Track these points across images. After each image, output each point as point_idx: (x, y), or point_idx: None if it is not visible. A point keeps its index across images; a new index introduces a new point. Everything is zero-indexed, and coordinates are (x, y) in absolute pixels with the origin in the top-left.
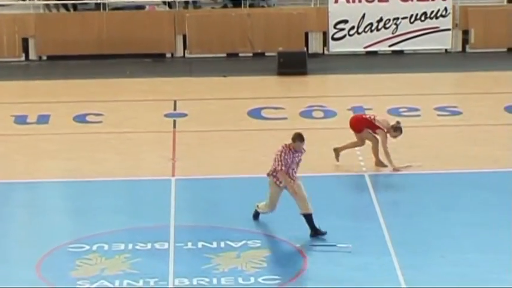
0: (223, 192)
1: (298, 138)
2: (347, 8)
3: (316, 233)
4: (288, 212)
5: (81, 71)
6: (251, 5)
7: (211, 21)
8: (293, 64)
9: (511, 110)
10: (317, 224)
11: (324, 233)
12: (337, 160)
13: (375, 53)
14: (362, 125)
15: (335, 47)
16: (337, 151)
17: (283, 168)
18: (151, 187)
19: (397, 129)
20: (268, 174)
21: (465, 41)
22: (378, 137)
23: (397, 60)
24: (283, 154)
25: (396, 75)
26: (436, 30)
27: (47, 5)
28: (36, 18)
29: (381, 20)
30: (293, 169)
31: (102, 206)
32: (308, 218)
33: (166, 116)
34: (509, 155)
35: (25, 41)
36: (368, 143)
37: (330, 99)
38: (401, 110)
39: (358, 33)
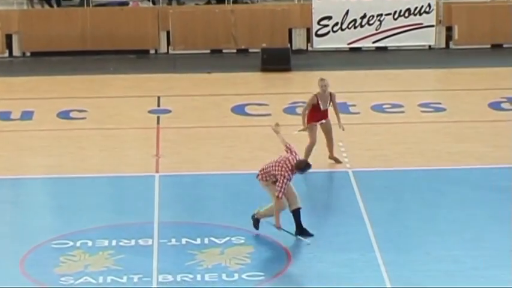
0: (207, 189)
1: (307, 167)
2: (331, 4)
3: (301, 232)
4: None
5: (65, 67)
6: (235, 1)
7: (195, 18)
8: (277, 60)
9: (494, 107)
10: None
11: (311, 235)
12: (340, 161)
13: (358, 49)
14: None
15: (319, 44)
16: (332, 157)
17: (280, 196)
18: (135, 183)
19: None
20: (262, 179)
21: (449, 38)
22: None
23: (381, 57)
24: (287, 177)
25: (380, 71)
26: (420, 26)
27: (31, 1)
28: (19, 14)
29: (364, 16)
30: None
31: (86, 203)
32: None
33: (150, 112)
34: (493, 151)
35: (9, 37)
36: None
37: None
38: (385, 106)
39: (342, 30)
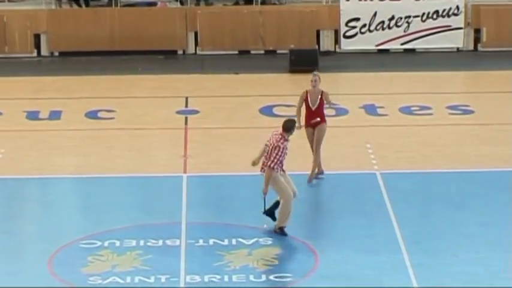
0: (234, 190)
1: (292, 124)
2: (359, 6)
3: (270, 214)
4: (300, 210)
5: (93, 67)
6: (263, 2)
7: (223, 18)
8: (305, 62)
9: None
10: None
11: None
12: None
13: (386, 51)
14: None
15: (347, 45)
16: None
17: (273, 166)
18: (163, 184)
19: None
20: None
21: (477, 40)
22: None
23: (409, 59)
24: (284, 149)
25: (408, 73)
26: (448, 28)
27: (59, 1)
28: (48, 14)
29: (392, 18)
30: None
31: (114, 203)
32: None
33: (178, 112)
34: None
35: (37, 37)
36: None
37: (342, 97)
38: (413, 108)
39: (370, 31)
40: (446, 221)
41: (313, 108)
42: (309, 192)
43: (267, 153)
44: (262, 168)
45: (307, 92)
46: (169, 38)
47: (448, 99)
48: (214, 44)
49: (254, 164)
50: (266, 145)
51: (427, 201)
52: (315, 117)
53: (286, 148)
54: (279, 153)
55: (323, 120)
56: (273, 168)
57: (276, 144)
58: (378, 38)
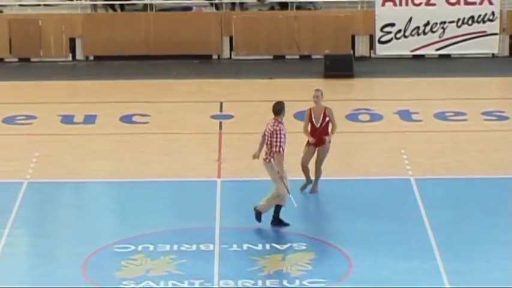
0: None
1: (282, 106)
2: (394, 11)
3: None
4: (334, 215)
5: (128, 71)
6: (298, 8)
7: (258, 23)
8: (339, 67)
9: None
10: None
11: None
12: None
13: (421, 56)
14: None
15: (382, 50)
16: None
17: (279, 150)
18: (197, 188)
19: None
20: (268, 162)
21: None
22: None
23: (444, 64)
24: (283, 131)
25: (443, 79)
26: (483, 34)
27: (94, 5)
28: (83, 18)
29: (428, 23)
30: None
31: (148, 207)
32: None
33: (212, 117)
34: None
35: (72, 41)
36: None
37: (376, 102)
38: (448, 114)
39: (405, 37)
40: (481, 227)
41: (317, 126)
42: (343, 197)
43: (268, 143)
44: (266, 158)
45: (311, 109)
46: (204, 43)
47: (483, 105)
48: (249, 48)
49: (255, 157)
50: (264, 135)
51: (462, 207)
52: (319, 135)
53: (284, 130)
54: (279, 136)
55: (326, 140)
56: (279, 151)
57: (272, 129)
58: (413, 43)
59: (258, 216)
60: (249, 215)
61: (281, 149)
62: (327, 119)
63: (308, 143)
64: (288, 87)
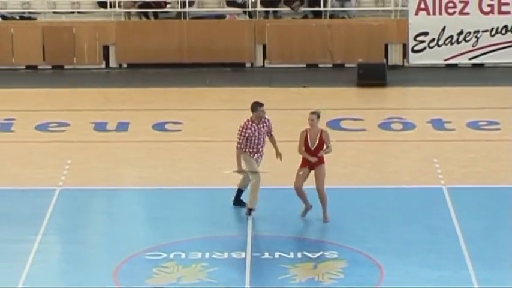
0: (300, 203)
1: (255, 105)
2: (428, 20)
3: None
4: (365, 223)
5: (161, 79)
6: (331, 16)
7: (292, 32)
8: (373, 76)
9: None
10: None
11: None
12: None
13: (455, 65)
14: None
15: (415, 59)
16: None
17: (240, 146)
18: (229, 196)
19: None
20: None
21: None
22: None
23: (477, 73)
24: (244, 129)
25: (476, 88)
26: None
27: (128, 13)
28: (117, 26)
29: (461, 32)
30: (260, 143)
31: (180, 215)
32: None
33: None
34: None
35: (106, 49)
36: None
37: (409, 111)
38: (480, 123)
39: (439, 46)
40: None
41: (312, 148)
42: (375, 205)
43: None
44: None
45: (307, 130)
46: (238, 51)
47: None
48: (282, 57)
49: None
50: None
51: (494, 217)
52: (315, 158)
53: (248, 128)
54: (241, 134)
55: (321, 162)
56: (237, 147)
57: (240, 130)
58: (446, 52)
59: (249, 212)
60: (280, 223)
61: (240, 146)
62: (323, 141)
63: (301, 166)
64: (321, 96)
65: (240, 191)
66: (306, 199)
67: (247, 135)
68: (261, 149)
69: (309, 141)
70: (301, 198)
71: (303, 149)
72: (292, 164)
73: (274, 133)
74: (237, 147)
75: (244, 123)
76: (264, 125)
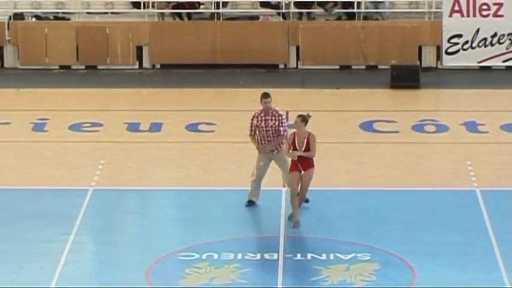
0: (333, 205)
1: (260, 97)
2: (462, 22)
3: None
4: (397, 225)
5: (194, 79)
6: (365, 18)
7: (325, 33)
8: (406, 77)
9: None
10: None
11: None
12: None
13: (488, 68)
14: None
15: (449, 61)
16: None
17: (251, 134)
18: (262, 197)
19: None
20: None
21: None
22: None
23: (511, 76)
24: (251, 119)
25: (510, 90)
26: None
27: (162, 14)
28: (150, 26)
29: (495, 35)
30: (269, 136)
31: (213, 215)
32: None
33: None
34: None
35: (139, 49)
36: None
37: (443, 113)
38: None
39: (472, 48)
40: None
41: (300, 151)
42: (407, 207)
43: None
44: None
45: (294, 133)
46: (271, 52)
47: None
48: (315, 58)
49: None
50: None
51: None
52: (303, 161)
53: (254, 118)
54: (250, 123)
55: (310, 165)
56: (249, 135)
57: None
58: (480, 54)
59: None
60: (313, 224)
61: (249, 132)
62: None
63: (291, 170)
64: (354, 97)
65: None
66: (296, 205)
67: (253, 125)
68: (272, 142)
69: (296, 144)
70: (292, 202)
71: (291, 150)
72: (325, 166)
73: (285, 131)
74: (249, 134)
75: (254, 112)
76: (273, 118)
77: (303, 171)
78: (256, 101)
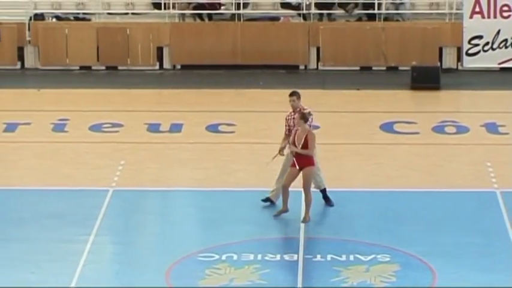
0: (352, 206)
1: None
2: (482, 23)
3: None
4: (417, 227)
5: (215, 80)
6: (386, 19)
7: (346, 34)
8: (426, 79)
9: None
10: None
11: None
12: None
13: (509, 69)
14: None
15: (469, 63)
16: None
17: (285, 132)
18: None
19: None
20: None
21: None
22: None
23: None
24: (286, 120)
25: None
26: None
27: (182, 15)
28: (171, 27)
29: None
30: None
31: (233, 216)
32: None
33: None
34: None
35: (160, 50)
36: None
37: (463, 115)
38: None
39: (493, 49)
40: None
41: (299, 147)
42: (427, 208)
43: None
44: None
45: (296, 130)
46: (292, 53)
47: None
48: (336, 59)
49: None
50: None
51: None
52: (300, 158)
53: (289, 118)
54: (285, 124)
55: (309, 163)
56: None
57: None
58: (500, 56)
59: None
60: (332, 225)
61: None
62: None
63: (291, 166)
64: (375, 99)
65: (323, 191)
66: (287, 201)
67: (286, 125)
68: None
69: (295, 140)
70: (283, 198)
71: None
72: (345, 167)
73: (296, 129)
74: (284, 133)
75: (288, 113)
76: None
77: (297, 167)
78: (277, 102)
